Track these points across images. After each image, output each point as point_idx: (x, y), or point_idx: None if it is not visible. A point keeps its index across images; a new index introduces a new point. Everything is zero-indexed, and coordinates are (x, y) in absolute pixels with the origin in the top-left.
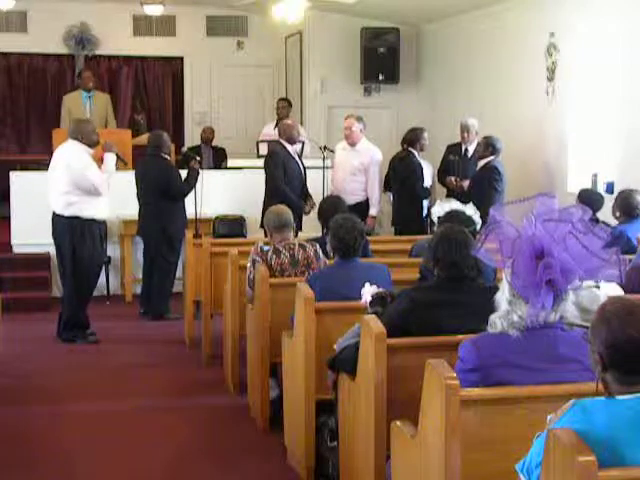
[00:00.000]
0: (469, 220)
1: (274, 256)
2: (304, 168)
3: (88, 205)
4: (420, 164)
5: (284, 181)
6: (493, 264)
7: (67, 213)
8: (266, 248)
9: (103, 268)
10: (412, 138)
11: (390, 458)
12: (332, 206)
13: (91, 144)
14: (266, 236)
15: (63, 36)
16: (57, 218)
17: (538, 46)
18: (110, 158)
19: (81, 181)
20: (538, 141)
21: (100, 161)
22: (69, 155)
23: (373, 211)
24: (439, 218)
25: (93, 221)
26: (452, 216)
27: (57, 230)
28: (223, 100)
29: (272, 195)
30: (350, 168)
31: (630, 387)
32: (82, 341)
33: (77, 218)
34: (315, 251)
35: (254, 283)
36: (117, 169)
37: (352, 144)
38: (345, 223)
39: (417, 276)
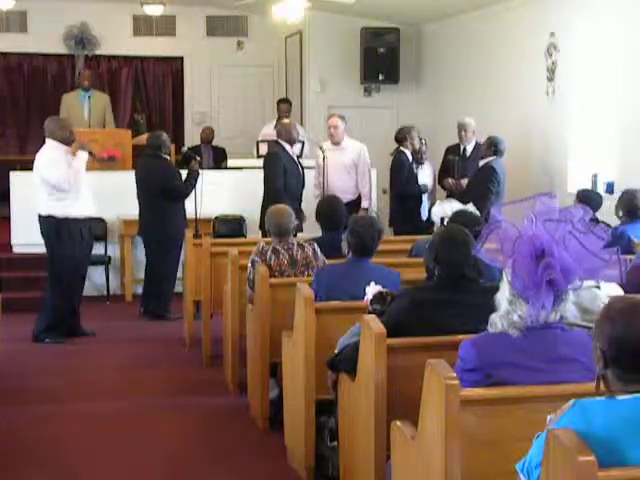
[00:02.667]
0: (477, 220)
1: (273, 256)
2: (303, 170)
3: (63, 203)
4: (406, 162)
5: (283, 184)
6: (494, 264)
7: (44, 212)
8: (265, 248)
9: (104, 268)
10: (400, 137)
11: (390, 458)
12: (330, 206)
13: (66, 142)
14: (264, 236)
15: (63, 36)
16: (39, 218)
17: (538, 46)
18: (81, 155)
19: (46, 176)
20: (538, 141)
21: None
22: (41, 155)
23: (365, 203)
24: (443, 219)
25: (69, 220)
26: (460, 216)
27: (40, 230)
28: (223, 100)
29: (269, 197)
30: (340, 166)
31: (630, 385)
32: (52, 340)
33: (53, 217)
34: (314, 250)
35: (254, 283)
36: (94, 159)
37: (337, 143)
38: (364, 222)
39: (420, 276)
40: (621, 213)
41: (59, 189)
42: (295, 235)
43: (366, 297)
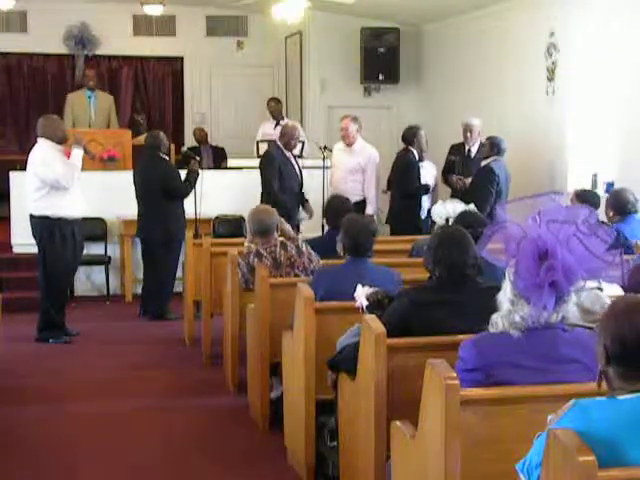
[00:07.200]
0: (482, 221)
1: (256, 259)
2: (300, 170)
3: (56, 203)
4: (415, 162)
5: (279, 184)
6: (497, 263)
7: (37, 212)
8: (248, 251)
9: (104, 268)
10: (408, 136)
11: (390, 458)
12: (338, 206)
13: (59, 140)
14: None
15: (63, 36)
16: (32, 218)
17: (538, 46)
18: (76, 152)
19: (44, 174)
20: (538, 141)
21: (69, 157)
22: (35, 153)
23: (370, 210)
24: (447, 220)
25: (62, 220)
26: (466, 217)
27: (32, 230)
28: (223, 100)
29: (265, 199)
30: (348, 168)
31: (631, 383)
32: (55, 340)
33: (46, 218)
34: (297, 247)
35: (253, 283)
36: (90, 157)
37: (349, 144)
38: (358, 222)
39: (420, 276)
40: (612, 213)
41: (57, 187)
42: (298, 227)
43: (358, 302)
